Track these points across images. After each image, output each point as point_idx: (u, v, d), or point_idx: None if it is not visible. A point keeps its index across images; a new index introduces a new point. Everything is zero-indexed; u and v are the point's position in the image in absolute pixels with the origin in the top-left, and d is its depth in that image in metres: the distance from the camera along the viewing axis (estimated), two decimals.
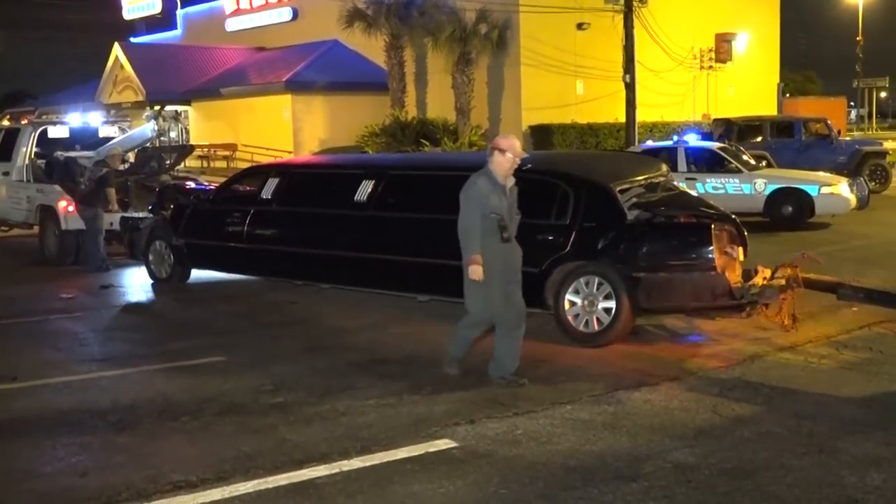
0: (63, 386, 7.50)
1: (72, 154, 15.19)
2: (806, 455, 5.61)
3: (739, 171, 17.27)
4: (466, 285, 7.17)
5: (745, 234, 9.13)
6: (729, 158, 17.64)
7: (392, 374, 7.61)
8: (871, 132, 70.29)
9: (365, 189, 10.04)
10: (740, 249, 8.85)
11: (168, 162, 16.14)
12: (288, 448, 5.87)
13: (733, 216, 9.34)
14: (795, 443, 5.82)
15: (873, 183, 23.06)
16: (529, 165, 9.76)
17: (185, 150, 19.83)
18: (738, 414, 6.45)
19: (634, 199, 8.77)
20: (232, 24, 41.54)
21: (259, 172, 12.31)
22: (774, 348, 8.23)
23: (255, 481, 5.31)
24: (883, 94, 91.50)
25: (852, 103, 72.34)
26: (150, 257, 12.33)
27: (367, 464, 5.57)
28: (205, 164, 33.66)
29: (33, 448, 6.02)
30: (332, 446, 5.87)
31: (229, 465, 5.57)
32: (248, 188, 11.75)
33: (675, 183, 10.72)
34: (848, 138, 30.34)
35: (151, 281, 12.30)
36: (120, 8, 48.12)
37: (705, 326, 8.99)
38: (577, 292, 8.48)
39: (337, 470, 5.47)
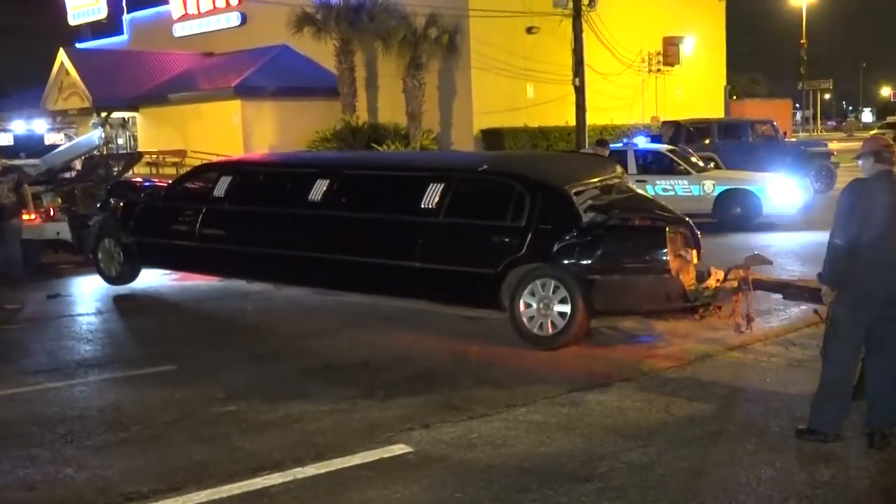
0: (8, 398, 7.34)
1: (17, 162, 14.92)
2: (757, 453, 5.68)
3: (688, 173, 17.47)
4: None
5: (699, 236, 9.23)
6: (678, 160, 17.84)
7: (345, 379, 7.58)
8: (815, 133, 71.58)
9: (319, 188, 9.98)
10: (694, 252, 8.93)
11: (116, 169, 15.93)
12: (241, 456, 5.81)
13: (687, 219, 9.43)
14: (747, 440, 5.89)
15: (819, 183, 23.47)
16: (485, 167, 9.80)
17: (132, 157, 19.61)
18: (690, 413, 6.51)
19: (590, 202, 8.81)
20: (179, 30, 41.09)
21: (212, 170, 12.13)
22: (725, 347, 8.32)
23: (208, 491, 5.25)
24: (827, 96, 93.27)
25: (797, 105, 73.61)
26: (100, 255, 12.15)
27: (322, 471, 5.53)
28: (153, 170, 33.26)
29: None
30: (286, 454, 5.82)
31: (181, 475, 5.50)
32: (200, 186, 11.61)
33: (630, 185, 10.80)
34: (794, 139, 30.79)
35: (99, 289, 12.12)
36: (65, 13, 47.38)
37: (657, 327, 9.06)
38: (532, 295, 8.49)
39: (291, 477, 5.43)
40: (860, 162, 5.98)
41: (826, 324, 5.95)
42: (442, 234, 9.03)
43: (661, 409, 6.58)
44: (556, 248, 8.45)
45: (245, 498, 5.17)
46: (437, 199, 9.09)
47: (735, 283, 8.43)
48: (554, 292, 8.41)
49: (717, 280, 8.62)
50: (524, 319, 8.55)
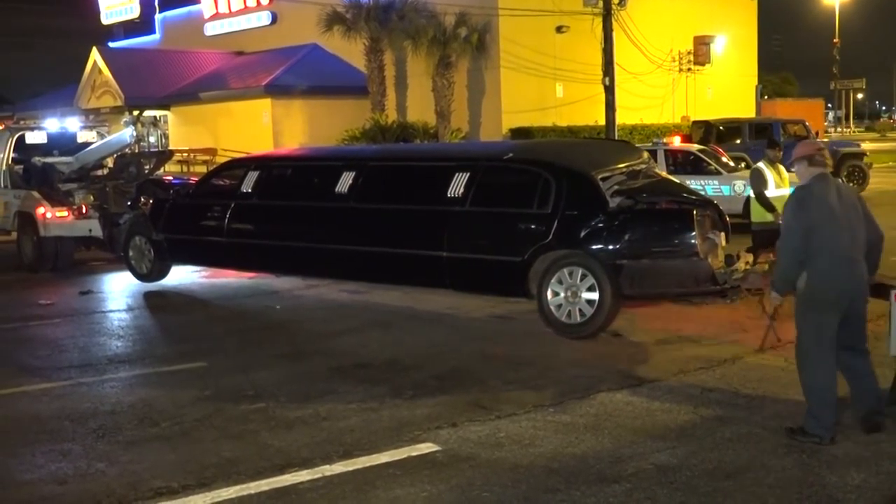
0: (42, 393, 7.44)
1: (50, 160, 15.09)
2: (787, 455, 5.63)
3: (719, 173, 17.34)
4: None
5: (727, 219, 9.17)
6: (708, 160, 17.72)
7: (374, 378, 7.60)
8: (848, 133, 70.86)
9: (345, 181, 10.02)
10: (722, 235, 8.88)
11: (147, 167, 16.04)
12: (270, 453, 5.85)
13: (714, 202, 9.37)
14: (776, 443, 5.84)
15: (851, 184, 23.23)
16: (511, 155, 9.80)
17: (163, 155, 19.71)
18: (719, 415, 6.47)
19: (616, 187, 8.78)
20: (211, 29, 41.39)
21: (239, 166, 12.21)
22: (754, 349, 8.25)
23: (237, 487, 5.29)
24: (860, 96, 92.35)
25: (830, 105, 72.93)
26: (131, 253, 12.30)
27: (350, 468, 5.55)
28: (184, 168, 33.50)
29: (12, 456, 5.96)
30: (314, 451, 5.85)
31: (211, 471, 5.54)
32: (227, 182, 11.71)
33: (656, 170, 10.74)
34: (826, 139, 30.51)
35: (131, 286, 12.23)
36: (98, 13, 47.83)
37: (685, 328, 9.02)
38: (560, 283, 8.50)
39: (319, 475, 5.45)
40: (795, 168, 6.08)
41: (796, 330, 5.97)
42: (468, 222, 9.03)
43: (689, 410, 6.55)
44: (582, 233, 8.44)
45: (273, 495, 5.20)
46: (462, 189, 9.10)
47: (765, 266, 8.37)
48: (581, 280, 8.39)
49: (747, 263, 8.56)
50: (552, 308, 8.56)
